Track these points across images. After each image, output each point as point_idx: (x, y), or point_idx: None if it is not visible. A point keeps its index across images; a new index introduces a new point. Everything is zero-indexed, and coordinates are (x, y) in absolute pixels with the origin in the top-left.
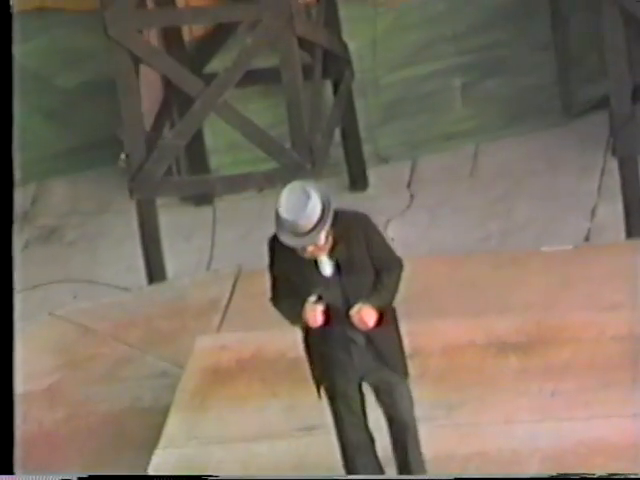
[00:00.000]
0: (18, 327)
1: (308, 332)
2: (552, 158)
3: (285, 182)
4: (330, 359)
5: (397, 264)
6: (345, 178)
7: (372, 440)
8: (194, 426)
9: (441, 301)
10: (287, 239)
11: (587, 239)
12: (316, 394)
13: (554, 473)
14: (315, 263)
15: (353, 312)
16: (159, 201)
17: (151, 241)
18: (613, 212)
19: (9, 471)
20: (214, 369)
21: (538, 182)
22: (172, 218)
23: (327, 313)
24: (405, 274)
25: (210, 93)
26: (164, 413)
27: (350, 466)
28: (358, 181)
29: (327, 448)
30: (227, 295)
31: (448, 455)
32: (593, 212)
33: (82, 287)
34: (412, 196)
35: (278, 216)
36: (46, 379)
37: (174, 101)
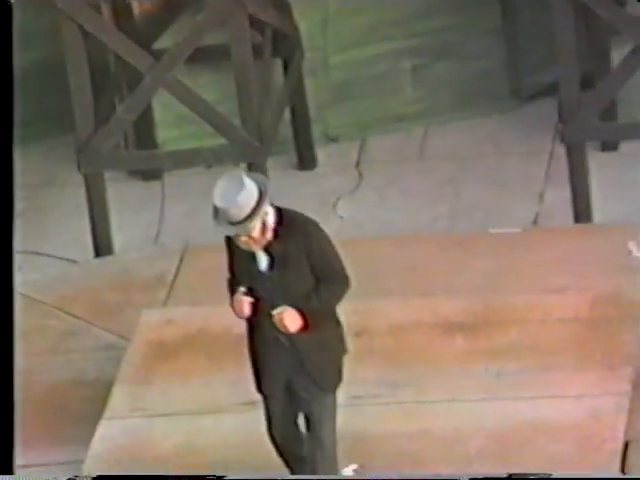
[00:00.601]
0: None
1: (247, 325)
2: (500, 142)
3: (233, 159)
4: (259, 354)
5: (341, 280)
6: (294, 157)
7: (298, 441)
8: (139, 399)
9: (388, 281)
10: (220, 228)
11: (535, 223)
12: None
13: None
14: (254, 257)
15: (275, 312)
16: (107, 175)
17: (99, 214)
18: (561, 197)
19: (9, 471)
20: (159, 343)
21: (486, 165)
22: (120, 192)
23: (259, 307)
24: (353, 253)
25: (159, 68)
26: (108, 387)
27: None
28: (307, 160)
29: None
30: (174, 270)
31: (393, 433)
32: (541, 197)
33: (28, 258)
34: (361, 176)
35: (213, 204)
36: None
37: (123, 76)
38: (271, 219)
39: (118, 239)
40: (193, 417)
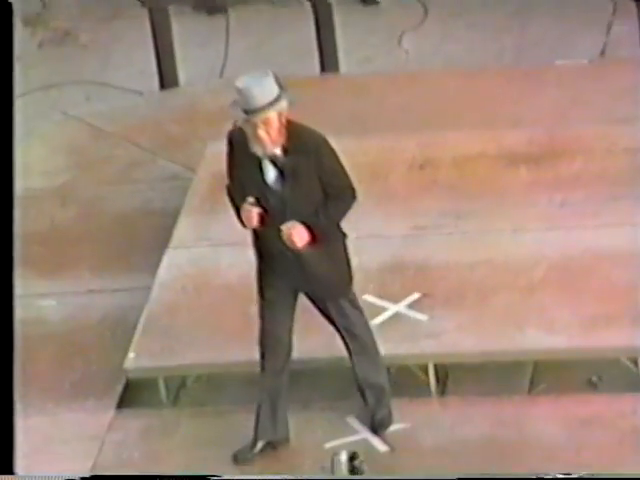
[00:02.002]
0: (32, 124)
1: (253, 235)
2: None
3: None
4: (264, 263)
5: (349, 193)
6: None
7: (287, 352)
8: (204, 229)
9: (453, 114)
10: (240, 113)
11: (603, 54)
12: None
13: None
14: (261, 169)
15: (283, 227)
16: (172, 9)
17: (164, 47)
18: (629, 28)
19: (9, 471)
20: (225, 175)
21: None
22: (185, 26)
23: (265, 218)
24: (418, 87)
25: None
26: (174, 215)
27: (261, 362)
28: None
29: None
30: None
31: (456, 262)
32: (609, 27)
33: (95, 89)
34: (426, 9)
35: (236, 91)
36: (59, 177)
37: None
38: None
39: (183, 73)
40: None
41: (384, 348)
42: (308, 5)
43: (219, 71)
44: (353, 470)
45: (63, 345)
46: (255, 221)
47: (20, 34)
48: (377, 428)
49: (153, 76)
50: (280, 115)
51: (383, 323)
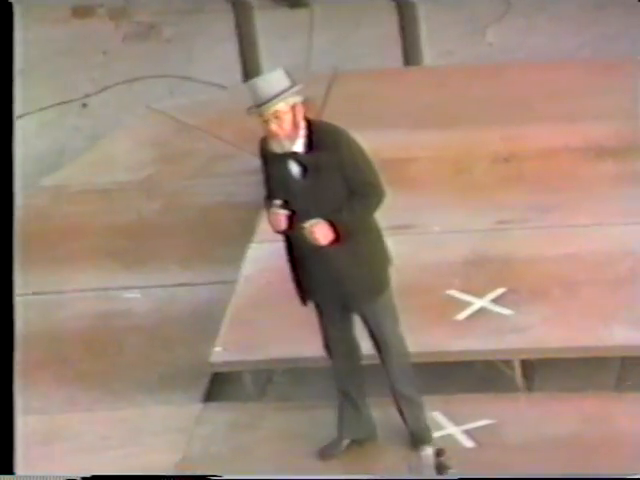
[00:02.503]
0: (119, 120)
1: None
2: None
3: None
4: (299, 266)
5: (376, 192)
6: None
7: (354, 352)
8: None
9: (537, 107)
10: (252, 109)
11: None
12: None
13: None
14: (286, 165)
15: (306, 225)
16: (255, 2)
17: (247, 41)
18: None
19: (9, 471)
20: None
21: None
22: (268, 20)
23: (294, 220)
24: (501, 79)
25: None
26: (257, 210)
27: (332, 365)
28: None
29: None
30: (322, 96)
31: (541, 257)
32: None
33: (179, 83)
34: (509, 2)
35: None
36: (144, 171)
37: None
38: (303, 124)
39: (266, 66)
40: None
41: (469, 343)
42: None
43: (302, 64)
44: (440, 466)
45: (149, 338)
46: (283, 224)
47: (105, 28)
48: (416, 444)
49: (236, 69)
50: (294, 109)
51: (468, 318)
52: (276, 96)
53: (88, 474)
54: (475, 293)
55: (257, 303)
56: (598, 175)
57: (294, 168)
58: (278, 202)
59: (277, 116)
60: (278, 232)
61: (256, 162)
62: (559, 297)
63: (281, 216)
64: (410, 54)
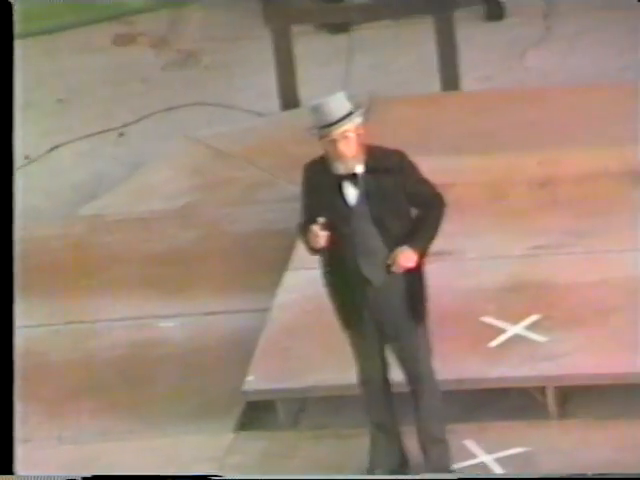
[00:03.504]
0: (157, 148)
1: (326, 264)
2: None
3: (421, 11)
4: (340, 293)
5: (438, 202)
6: (482, 8)
7: (387, 379)
8: None
9: (575, 130)
10: (316, 130)
11: None
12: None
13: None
14: (340, 191)
15: (394, 255)
16: (294, 29)
17: (285, 68)
18: None
19: (9, 471)
20: None
21: None
22: (307, 46)
23: (340, 244)
24: (538, 103)
25: None
26: (294, 236)
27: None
28: (494, 11)
29: None
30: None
31: (576, 282)
32: None
33: (217, 111)
34: (549, 26)
35: (311, 111)
36: (181, 199)
37: None
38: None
39: (304, 92)
40: None
41: (502, 371)
42: (430, 23)
43: (339, 90)
44: None
45: (182, 366)
46: (323, 241)
47: (145, 56)
48: None
49: (274, 97)
50: (357, 131)
51: (502, 345)
52: (346, 116)
53: None
54: (510, 319)
55: (291, 331)
56: (635, 200)
57: (352, 191)
58: (321, 219)
59: (345, 136)
60: (314, 250)
61: (293, 190)
62: (594, 323)
63: (321, 234)
64: (448, 79)
